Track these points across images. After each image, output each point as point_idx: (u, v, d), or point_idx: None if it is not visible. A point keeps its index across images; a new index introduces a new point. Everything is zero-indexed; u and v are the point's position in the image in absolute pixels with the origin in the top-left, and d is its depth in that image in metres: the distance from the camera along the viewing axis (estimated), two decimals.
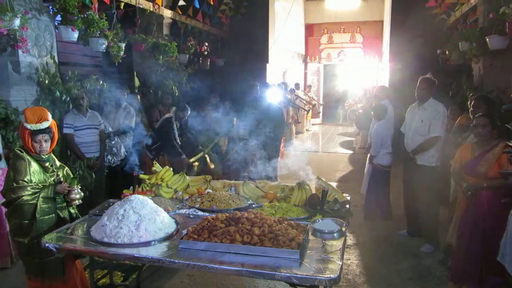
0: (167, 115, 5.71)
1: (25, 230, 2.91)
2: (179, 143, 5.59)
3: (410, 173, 4.71)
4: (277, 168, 5.07)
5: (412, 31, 8.84)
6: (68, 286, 3.08)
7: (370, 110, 7.72)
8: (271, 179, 4.61)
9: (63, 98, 5.10)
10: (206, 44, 9.34)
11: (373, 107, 5.53)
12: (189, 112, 5.54)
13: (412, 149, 4.59)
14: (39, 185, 2.95)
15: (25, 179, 2.88)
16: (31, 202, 2.89)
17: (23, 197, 2.86)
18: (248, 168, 4.64)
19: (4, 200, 2.94)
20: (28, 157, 2.94)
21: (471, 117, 4.01)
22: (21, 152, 2.94)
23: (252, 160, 4.94)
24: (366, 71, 15.69)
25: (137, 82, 7.79)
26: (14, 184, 2.85)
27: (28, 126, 2.90)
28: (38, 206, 2.91)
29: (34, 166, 2.96)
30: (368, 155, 5.51)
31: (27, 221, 2.90)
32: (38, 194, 2.92)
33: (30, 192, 2.89)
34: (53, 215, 3.03)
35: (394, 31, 9.95)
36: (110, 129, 5.60)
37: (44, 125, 2.95)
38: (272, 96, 7.51)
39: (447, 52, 8.22)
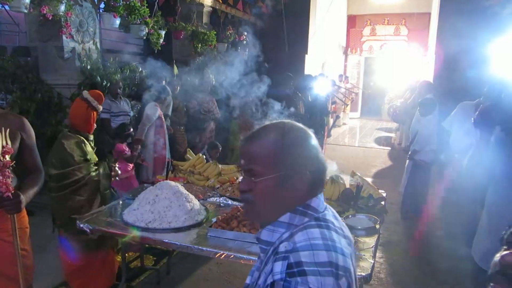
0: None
1: (87, 206, 2.99)
2: None
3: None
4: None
5: (462, 24, 8.39)
6: (102, 265, 3.15)
7: (410, 104, 7.42)
8: None
9: (103, 83, 5.23)
10: (245, 33, 9.28)
11: (420, 102, 5.23)
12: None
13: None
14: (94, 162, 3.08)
15: (88, 158, 3.00)
16: (95, 178, 3.02)
17: (91, 174, 2.98)
18: None
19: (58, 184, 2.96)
20: (82, 138, 3.03)
21: None
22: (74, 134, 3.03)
23: None
24: (410, 65, 15.11)
25: (175, 70, 7.87)
26: (80, 164, 2.95)
27: (98, 107, 3.02)
28: (101, 182, 3.06)
29: (88, 146, 3.07)
30: (410, 151, 5.25)
31: (93, 197, 3.04)
32: (98, 170, 3.05)
33: (93, 169, 3.02)
34: (108, 191, 3.18)
35: (442, 23, 9.48)
36: None
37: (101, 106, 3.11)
38: (319, 87, 7.37)
39: None
